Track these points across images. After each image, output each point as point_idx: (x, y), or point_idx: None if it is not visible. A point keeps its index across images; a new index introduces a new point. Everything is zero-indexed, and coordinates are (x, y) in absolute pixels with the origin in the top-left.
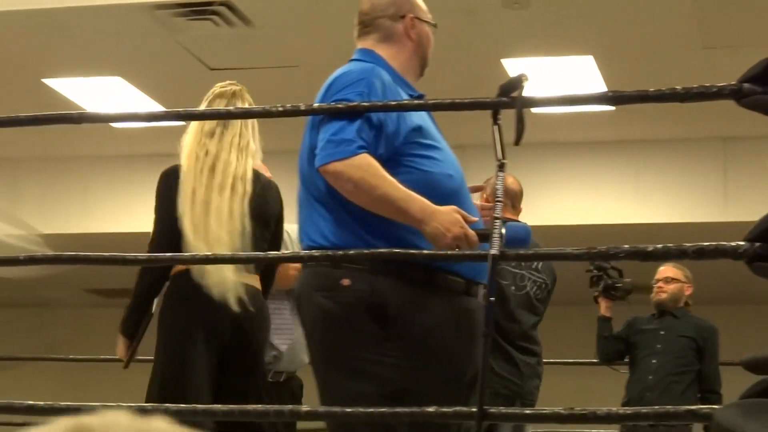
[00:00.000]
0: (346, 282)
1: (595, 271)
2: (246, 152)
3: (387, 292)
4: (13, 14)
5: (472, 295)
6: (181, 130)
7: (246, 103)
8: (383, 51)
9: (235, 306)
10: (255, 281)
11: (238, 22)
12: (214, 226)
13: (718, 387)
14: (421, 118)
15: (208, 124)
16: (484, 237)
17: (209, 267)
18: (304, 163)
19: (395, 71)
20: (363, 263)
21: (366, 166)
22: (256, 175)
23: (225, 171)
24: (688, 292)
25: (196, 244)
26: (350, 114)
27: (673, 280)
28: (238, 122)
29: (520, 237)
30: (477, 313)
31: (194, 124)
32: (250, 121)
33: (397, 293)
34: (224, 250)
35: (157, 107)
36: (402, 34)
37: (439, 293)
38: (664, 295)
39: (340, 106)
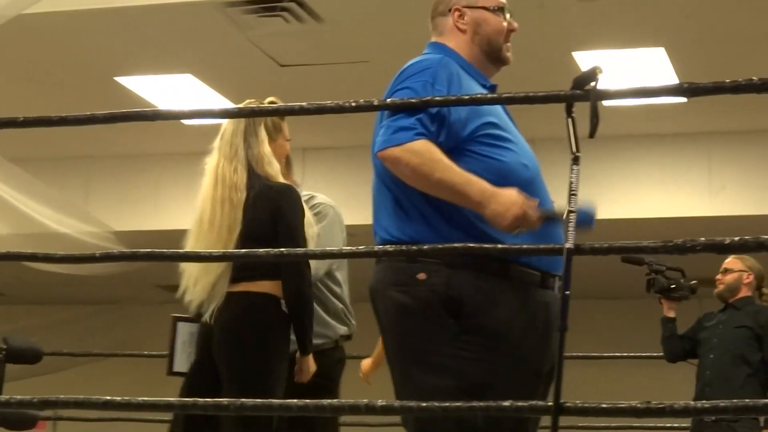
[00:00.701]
0: (421, 276)
1: (652, 274)
2: (236, 160)
3: (463, 286)
4: (86, 13)
5: (548, 287)
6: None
7: (226, 143)
8: (449, 44)
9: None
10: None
11: (308, 18)
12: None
13: None
14: (494, 110)
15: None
16: (548, 218)
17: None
18: (376, 160)
19: (467, 62)
20: (438, 257)
21: (424, 151)
22: (251, 183)
23: (223, 182)
24: (747, 280)
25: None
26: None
27: (729, 270)
28: (228, 131)
29: (588, 220)
30: (553, 305)
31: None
32: (243, 127)
33: (472, 286)
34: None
35: (228, 104)
36: (452, 28)
37: (515, 286)
38: (721, 287)
39: (413, 101)
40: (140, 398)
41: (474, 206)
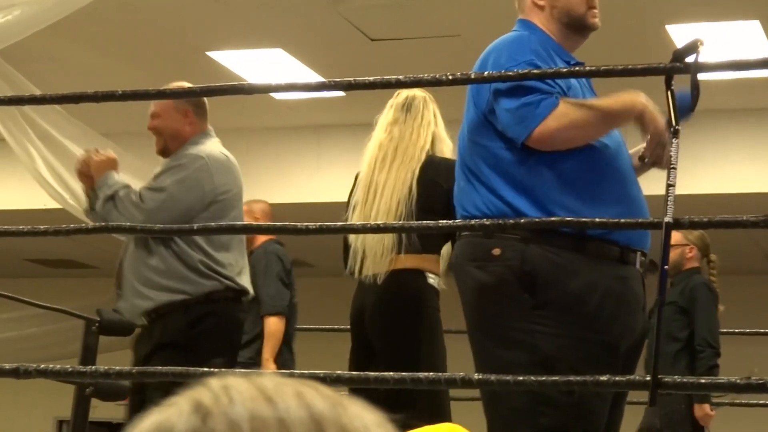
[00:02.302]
0: (496, 252)
1: None
2: (421, 135)
3: (537, 261)
4: None
5: (628, 262)
6: (342, 102)
7: (423, 114)
8: (534, 21)
9: None
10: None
11: None
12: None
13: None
14: (576, 91)
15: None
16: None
17: None
18: (463, 135)
19: (552, 40)
20: (514, 232)
21: (563, 110)
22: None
23: (404, 154)
24: (690, 254)
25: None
26: (519, 84)
27: (672, 246)
28: (414, 106)
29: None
30: (632, 281)
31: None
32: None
33: (547, 261)
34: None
35: (318, 79)
36: (531, 6)
37: (591, 260)
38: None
39: (510, 73)
40: (238, 370)
41: (635, 117)
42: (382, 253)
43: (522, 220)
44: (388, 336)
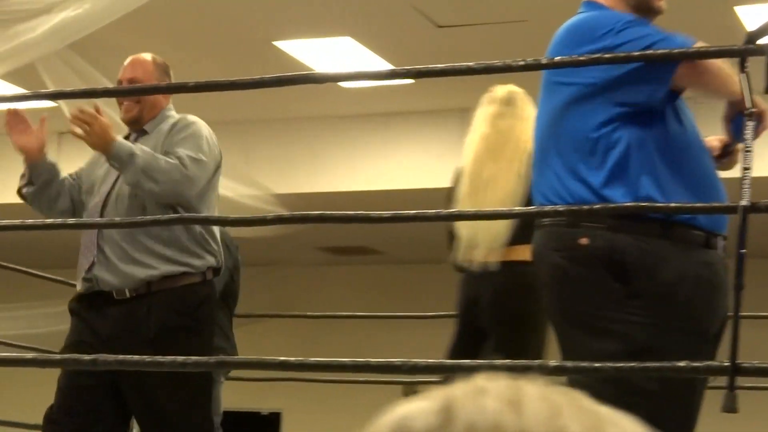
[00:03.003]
0: (584, 241)
1: None
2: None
3: (626, 249)
4: None
5: (712, 247)
6: (409, 89)
7: (525, 108)
8: (602, 1)
9: None
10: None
11: None
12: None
13: None
14: None
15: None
16: None
17: None
18: (544, 119)
19: None
20: (600, 221)
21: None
22: None
23: (516, 145)
24: None
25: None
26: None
27: None
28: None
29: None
30: (717, 266)
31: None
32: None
33: (636, 249)
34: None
35: (386, 66)
36: None
37: (678, 247)
38: None
39: (582, 58)
40: (314, 359)
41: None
42: (496, 244)
43: (610, 206)
44: (507, 325)
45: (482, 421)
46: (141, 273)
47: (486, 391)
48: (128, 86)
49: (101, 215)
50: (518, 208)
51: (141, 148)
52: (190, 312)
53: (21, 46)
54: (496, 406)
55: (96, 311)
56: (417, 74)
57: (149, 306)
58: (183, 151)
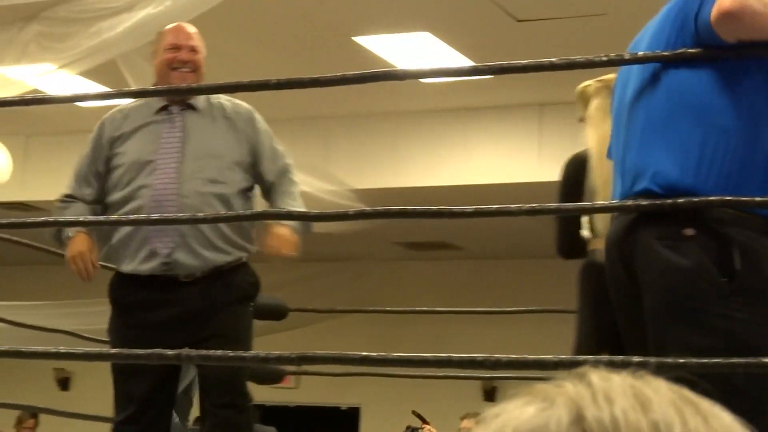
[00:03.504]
0: (689, 232)
1: None
2: None
3: (733, 243)
4: None
5: None
6: (489, 84)
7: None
8: None
9: None
10: None
11: None
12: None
13: None
14: None
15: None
16: None
17: None
18: (642, 100)
19: None
20: (707, 212)
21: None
22: None
23: None
24: None
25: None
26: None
27: None
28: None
29: None
30: None
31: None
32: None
33: (743, 244)
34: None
35: (465, 62)
36: None
37: None
38: None
39: (666, 54)
40: (396, 354)
41: None
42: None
43: (710, 198)
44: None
45: (617, 423)
46: (219, 258)
47: (613, 391)
48: (209, 84)
49: (176, 194)
50: (614, 202)
51: (292, 212)
52: (248, 286)
53: (103, 44)
54: (629, 409)
55: (168, 291)
56: (499, 70)
57: (222, 282)
58: (286, 161)
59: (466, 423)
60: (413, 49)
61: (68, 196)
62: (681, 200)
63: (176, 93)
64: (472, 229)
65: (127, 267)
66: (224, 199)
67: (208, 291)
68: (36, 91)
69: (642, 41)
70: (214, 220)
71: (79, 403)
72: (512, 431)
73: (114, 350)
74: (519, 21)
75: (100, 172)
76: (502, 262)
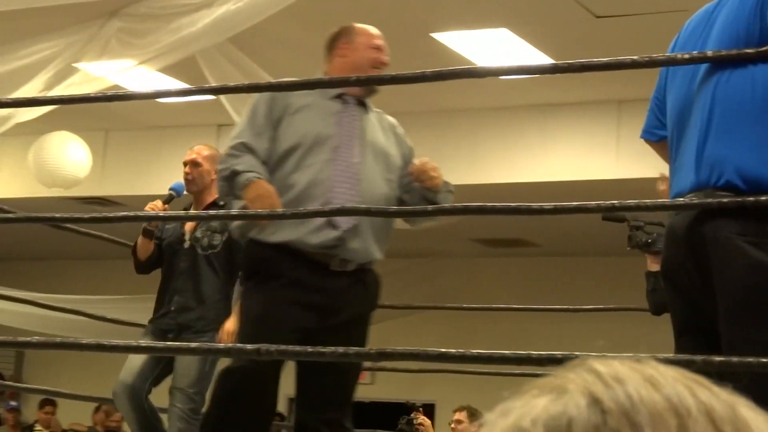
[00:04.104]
0: None
1: (630, 230)
2: None
3: None
4: None
5: None
6: (566, 80)
7: None
8: None
9: None
10: None
11: None
12: None
13: None
14: None
15: None
16: None
17: None
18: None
19: None
20: None
21: None
22: None
23: None
24: None
25: None
26: None
27: None
28: None
29: None
30: None
31: None
32: None
33: None
34: None
35: (543, 58)
36: None
37: None
38: None
39: (750, 51)
40: (474, 350)
41: None
42: None
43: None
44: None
45: (641, 414)
46: (376, 254)
47: (624, 376)
48: (291, 81)
49: (356, 178)
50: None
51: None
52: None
53: (183, 40)
54: (645, 395)
55: (322, 276)
56: (580, 68)
57: (362, 282)
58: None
59: (458, 416)
60: (491, 46)
61: (243, 144)
62: (764, 198)
63: (248, 90)
64: (549, 226)
65: (290, 234)
66: (388, 199)
67: (355, 289)
68: (116, 87)
69: (700, 32)
70: (315, 214)
71: (154, 395)
72: (531, 422)
73: (194, 344)
74: (598, 17)
75: (271, 136)
76: (580, 259)
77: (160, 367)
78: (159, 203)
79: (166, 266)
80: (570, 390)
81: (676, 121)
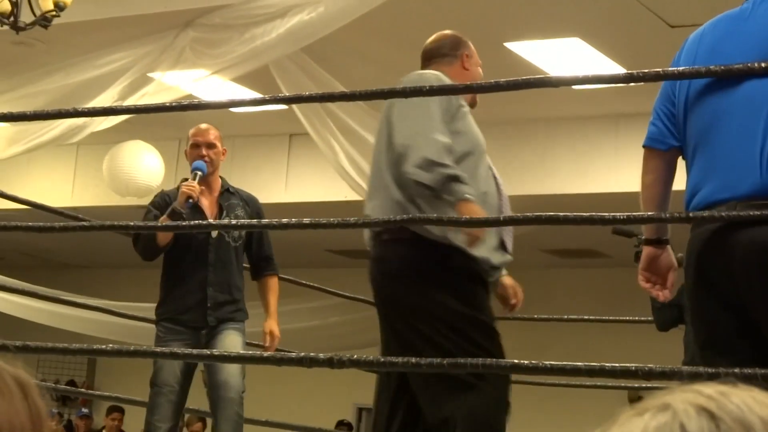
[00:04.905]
0: None
1: (639, 246)
2: None
3: None
4: None
5: None
6: (640, 90)
7: None
8: None
9: None
10: None
11: None
12: None
13: None
14: None
15: None
16: None
17: None
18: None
19: None
20: None
21: None
22: None
23: None
24: None
25: None
26: None
27: None
28: None
29: None
30: None
31: None
32: None
33: None
34: None
35: (616, 67)
36: None
37: None
38: None
39: None
40: (547, 362)
41: None
42: None
43: None
44: None
45: (750, 417)
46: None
47: (721, 390)
48: (364, 91)
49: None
50: None
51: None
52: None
53: (256, 50)
54: (745, 398)
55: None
56: (654, 77)
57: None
58: None
59: None
60: (564, 55)
61: (448, 147)
62: None
63: (321, 100)
64: (621, 237)
65: (484, 252)
66: None
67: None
68: (190, 96)
69: (731, 38)
70: (420, 221)
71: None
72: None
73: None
74: (672, 27)
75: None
76: None
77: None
78: (196, 185)
79: (186, 255)
80: (673, 405)
81: (709, 124)
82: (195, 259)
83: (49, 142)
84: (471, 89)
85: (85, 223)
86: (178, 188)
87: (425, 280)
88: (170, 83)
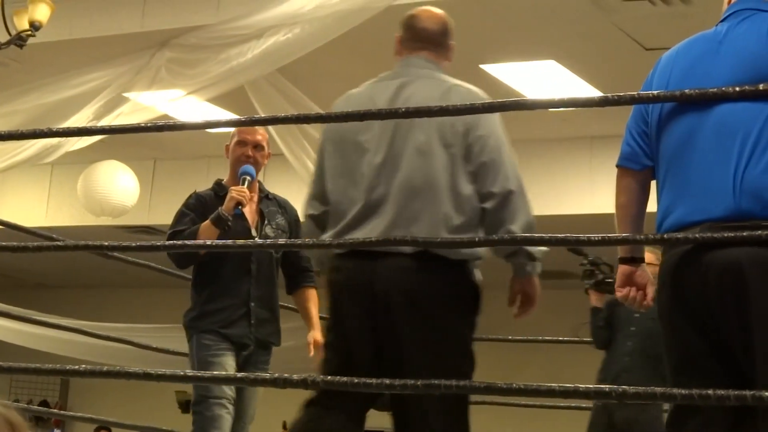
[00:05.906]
0: None
1: (588, 265)
2: None
3: None
4: (453, 2)
5: None
6: (615, 112)
7: None
8: None
9: None
10: None
11: (676, 0)
12: None
13: None
14: None
15: None
16: None
17: None
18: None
19: None
20: None
21: None
22: None
23: None
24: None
25: None
26: None
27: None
28: None
29: None
30: None
31: None
32: None
33: None
34: None
35: (591, 90)
36: None
37: None
38: None
39: None
40: (521, 383)
41: None
42: None
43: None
44: None
45: None
46: None
47: None
48: (340, 113)
49: None
50: None
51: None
52: None
53: (232, 70)
54: None
55: None
56: (630, 100)
57: None
58: None
59: None
60: (540, 77)
61: None
62: None
63: (298, 121)
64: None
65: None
66: None
67: None
68: (166, 117)
69: (707, 62)
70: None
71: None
72: None
73: (239, 374)
74: (647, 49)
75: None
76: None
77: None
78: (247, 190)
79: (226, 264)
80: None
81: (681, 146)
82: (236, 270)
83: (24, 161)
84: (447, 111)
85: (59, 243)
86: (212, 190)
87: (465, 315)
88: (146, 103)
